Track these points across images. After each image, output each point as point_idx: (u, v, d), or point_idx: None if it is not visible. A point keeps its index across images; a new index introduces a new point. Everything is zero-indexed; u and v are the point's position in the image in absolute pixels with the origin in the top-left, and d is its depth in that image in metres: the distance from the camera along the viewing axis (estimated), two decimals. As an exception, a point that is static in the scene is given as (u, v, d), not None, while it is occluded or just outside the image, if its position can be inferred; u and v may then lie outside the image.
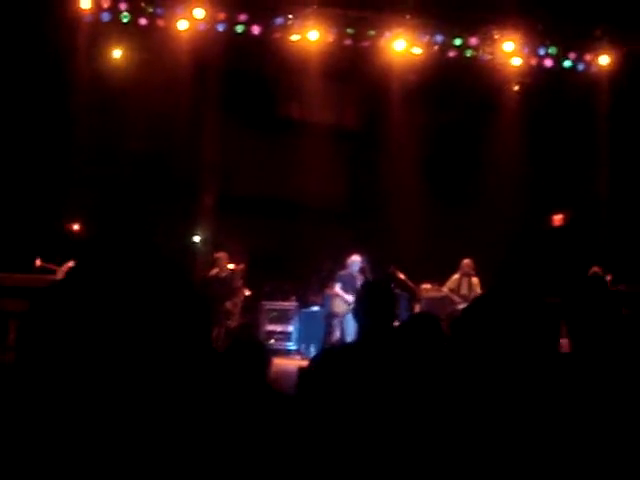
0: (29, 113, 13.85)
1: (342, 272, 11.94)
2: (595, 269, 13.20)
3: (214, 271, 12.17)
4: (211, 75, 15.26)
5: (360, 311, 3.87)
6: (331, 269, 12.67)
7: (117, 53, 14.14)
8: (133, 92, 14.10)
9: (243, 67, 14.90)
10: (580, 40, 14.58)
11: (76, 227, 15.07)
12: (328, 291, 12.59)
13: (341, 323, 11.86)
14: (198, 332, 3.30)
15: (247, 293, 12.47)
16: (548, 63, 14.51)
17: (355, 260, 11.84)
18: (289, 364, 10.76)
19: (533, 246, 15.84)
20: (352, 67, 14.92)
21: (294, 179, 15.73)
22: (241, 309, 12.40)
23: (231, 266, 12.35)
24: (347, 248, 12.38)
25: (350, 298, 11.46)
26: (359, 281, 11.46)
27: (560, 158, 15.55)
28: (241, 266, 12.37)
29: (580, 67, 14.70)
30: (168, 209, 15.43)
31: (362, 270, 11.82)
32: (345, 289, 11.75)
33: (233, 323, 11.99)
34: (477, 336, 2.22)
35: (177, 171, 15.61)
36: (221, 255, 12.34)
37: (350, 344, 4.32)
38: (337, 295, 11.94)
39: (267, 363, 4.26)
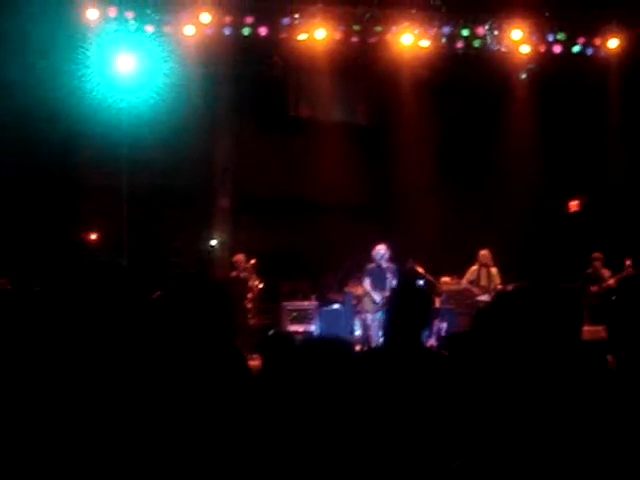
0: (40, 123, 13.91)
1: (370, 266, 11.77)
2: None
3: (234, 273, 12.28)
4: (220, 79, 15.28)
5: (393, 315, 3.75)
6: (351, 266, 12.64)
7: (125, 62, 14.15)
8: (143, 99, 14.12)
9: (252, 69, 14.91)
10: (588, 24, 14.49)
11: (93, 237, 15.15)
12: (350, 289, 12.58)
13: (364, 321, 11.84)
14: (222, 328, 3.32)
15: (260, 285, 12.53)
16: (557, 49, 14.43)
17: (380, 250, 11.65)
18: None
19: (550, 233, 15.81)
20: (361, 64, 14.90)
21: (309, 178, 15.75)
22: (258, 304, 12.50)
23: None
24: (365, 243, 12.32)
25: (378, 297, 11.43)
26: (389, 272, 11.39)
27: (574, 144, 15.50)
28: (251, 262, 12.46)
29: (589, 51, 14.61)
30: (184, 214, 15.50)
31: (390, 259, 11.68)
32: (374, 284, 11.62)
33: (252, 320, 12.10)
34: (502, 329, 2.20)
35: (191, 176, 15.65)
36: (239, 257, 12.47)
37: (381, 349, 4.21)
38: (366, 292, 11.82)
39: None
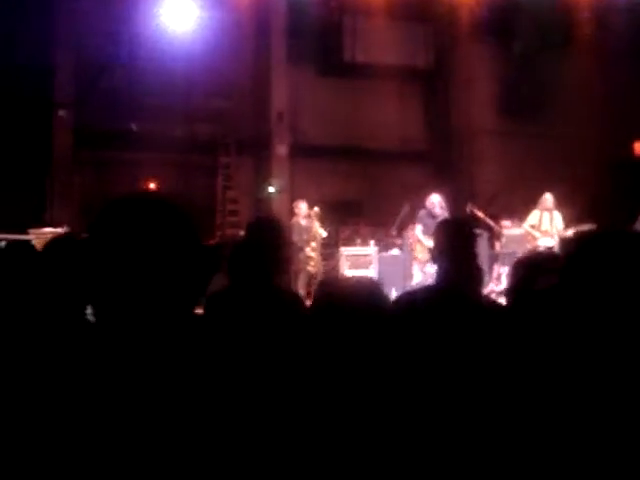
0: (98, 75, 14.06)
1: (421, 212, 11.65)
2: None
3: (295, 219, 12.19)
4: (274, 24, 15.14)
5: (437, 252, 3.70)
6: (410, 211, 12.48)
7: (180, 10, 14.09)
8: (198, 48, 14.06)
9: (306, 14, 14.72)
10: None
11: (151, 186, 15.23)
12: (408, 234, 12.44)
13: (422, 267, 11.71)
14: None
15: (324, 235, 12.41)
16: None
17: (434, 200, 11.51)
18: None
19: (614, 176, 15.44)
20: (418, 4, 14.59)
21: (367, 123, 15.59)
22: (320, 253, 12.40)
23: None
24: (425, 188, 12.15)
25: (431, 244, 11.24)
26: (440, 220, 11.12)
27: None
28: (315, 209, 12.33)
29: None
30: (241, 162, 15.50)
31: (443, 207, 11.51)
32: (427, 231, 11.45)
33: (314, 268, 12.02)
34: (587, 280, 1.99)
35: (248, 123, 15.62)
36: (300, 203, 12.33)
37: (430, 288, 4.12)
38: (418, 240, 11.71)
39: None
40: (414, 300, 3.67)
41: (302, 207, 12.24)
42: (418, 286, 11.08)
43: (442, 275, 3.66)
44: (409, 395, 2.45)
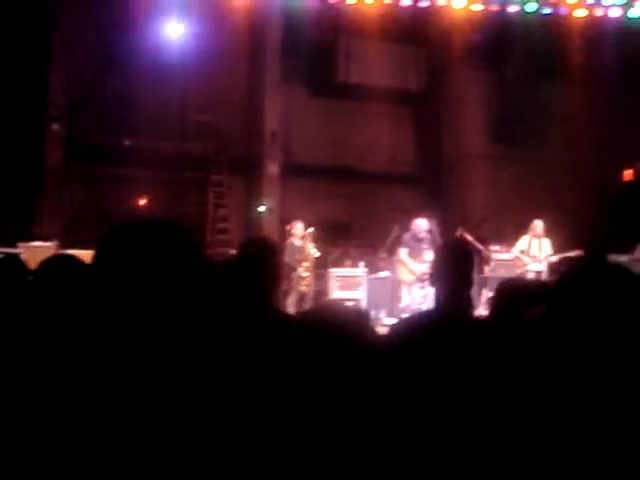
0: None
1: (407, 235, 11.77)
2: None
3: (290, 239, 12.19)
4: (269, 44, 15.20)
5: (437, 276, 3.70)
6: (400, 233, 12.51)
7: (174, 26, 14.13)
8: (192, 65, 14.10)
9: (301, 34, 14.78)
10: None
11: (141, 202, 15.22)
12: (395, 257, 12.48)
13: (409, 290, 11.77)
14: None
15: (317, 255, 12.41)
16: (614, 13, 14.05)
17: (420, 224, 11.63)
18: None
19: (604, 202, 15.52)
20: (411, 28, 14.69)
21: (358, 144, 15.64)
22: (313, 273, 12.41)
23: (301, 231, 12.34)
24: (414, 211, 12.23)
25: (416, 267, 11.40)
26: (425, 244, 11.34)
27: (630, 111, 15.13)
28: (310, 230, 12.35)
29: (649, 16, 14.19)
30: (233, 180, 15.50)
31: (430, 232, 11.65)
32: (412, 254, 11.59)
33: (307, 288, 12.03)
34: (575, 312, 2.00)
35: (239, 142, 15.64)
36: (297, 223, 12.35)
37: (429, 313, 4.14)
38: (402, 262, 11.80)
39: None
40: (411, 327, 3.68)
41: (299, 227, 12.26)
42: (412, 311, 11.13)
43: (439, 300, 3.67)
44: (404, 431, 2.45)
